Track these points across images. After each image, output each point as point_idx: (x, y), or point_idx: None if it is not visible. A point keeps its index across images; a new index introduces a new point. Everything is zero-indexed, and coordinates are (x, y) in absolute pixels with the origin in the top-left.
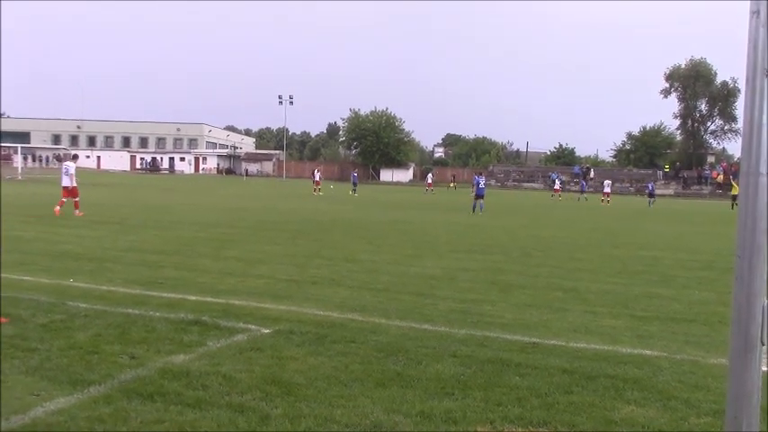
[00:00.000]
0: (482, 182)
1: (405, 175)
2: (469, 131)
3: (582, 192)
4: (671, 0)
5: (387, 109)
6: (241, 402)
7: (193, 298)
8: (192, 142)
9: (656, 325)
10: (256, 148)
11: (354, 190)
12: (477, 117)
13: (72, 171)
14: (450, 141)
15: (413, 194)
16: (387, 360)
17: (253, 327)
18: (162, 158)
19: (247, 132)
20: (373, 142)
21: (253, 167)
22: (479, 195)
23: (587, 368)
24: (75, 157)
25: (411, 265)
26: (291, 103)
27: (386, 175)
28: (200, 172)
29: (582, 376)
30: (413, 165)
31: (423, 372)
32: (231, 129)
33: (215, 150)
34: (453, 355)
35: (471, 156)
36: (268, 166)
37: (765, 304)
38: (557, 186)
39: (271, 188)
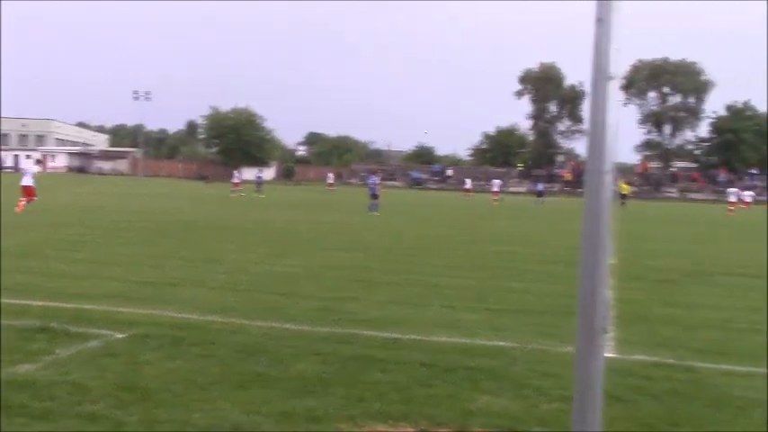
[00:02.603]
0: (370, 181)
1: (266, 174)
2: (332, 130)
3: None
4: (528, 0)
5: (248, 106)
6: (93, 411)
7: (41, 303)
8: (40, 139)
9: (509, 317)
10: (110, 145)
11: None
12: (339, 115)
13: (34, 172)
14: (312, 140)
15: (278, 193)
16: (247, 361)
17: (106, 332)
18: (6, 156)
19: (100, 129)
20: (234, 140)
21: (106, 166)
22: (372, 195)
23: (446, 361)
24: (38, 162)
25: (274, 264)
26: (148, 98)
27: (249, 173)
28: (49, 170)
29: (441, 369)
30: (275, 163)
31: (284, 371)
32: (83, 125)
33: (65, 148)
34: (315, 353)
35: (333, 154)
36: (123, 165)
37: (607, 295)
38: (495, 189)
39: (126, 187)
